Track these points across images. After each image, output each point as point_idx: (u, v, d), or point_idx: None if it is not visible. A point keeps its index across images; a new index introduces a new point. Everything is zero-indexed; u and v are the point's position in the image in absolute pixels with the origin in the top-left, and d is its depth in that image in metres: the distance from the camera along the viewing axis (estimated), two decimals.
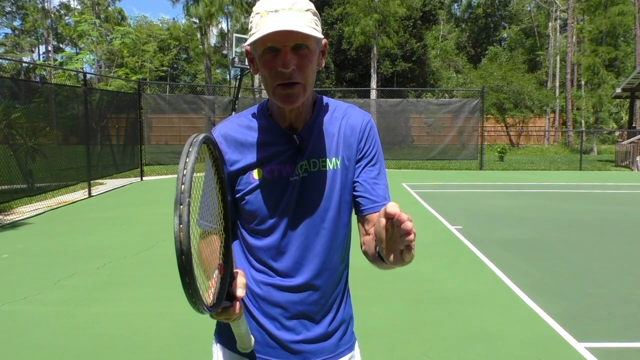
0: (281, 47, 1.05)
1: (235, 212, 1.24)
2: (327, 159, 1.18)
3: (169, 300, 3.96)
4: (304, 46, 1.07)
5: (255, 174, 1.16)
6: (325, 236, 1.18)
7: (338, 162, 1.18)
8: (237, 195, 1.19)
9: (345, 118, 1.22)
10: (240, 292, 0.99)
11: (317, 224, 1.17)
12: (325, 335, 1.21)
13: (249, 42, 1.09)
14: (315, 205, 1.16)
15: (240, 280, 1.01)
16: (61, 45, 43.87)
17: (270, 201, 1.16)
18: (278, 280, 1.18)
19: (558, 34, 36.94)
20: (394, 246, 0.86)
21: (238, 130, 1.20)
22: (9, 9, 46.34)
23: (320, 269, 1.19)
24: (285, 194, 1.16)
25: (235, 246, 1.26)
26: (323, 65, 1.17)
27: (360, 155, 1.21)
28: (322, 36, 1.09)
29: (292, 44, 1.05)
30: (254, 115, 1.22)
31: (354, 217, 1.25)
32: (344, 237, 1.23)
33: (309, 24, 1.05)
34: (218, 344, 1.28)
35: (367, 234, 1.17)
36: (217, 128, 1.22)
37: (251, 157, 1.17)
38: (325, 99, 1.25)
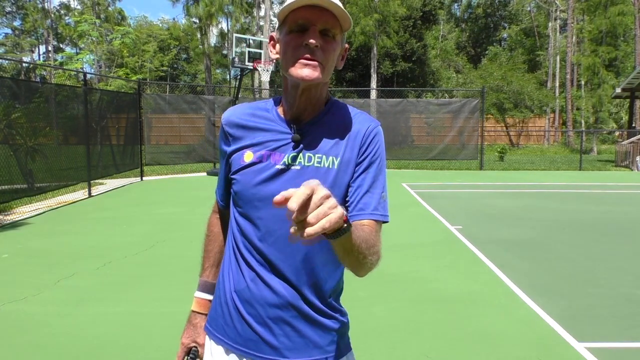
0: (310, 26, 1.10)
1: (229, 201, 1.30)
2: (324, 156, 1.16)
3: (169, 300, 3.96)
4: (330, 33, 1.12)
5: (245, 156, 1.19)
6: None
7: (336, 162, 1.16)
8: (230, 175, 1.23)
9: (353, 122, 1.21)
10: None
11: None
12: (306, 335, 1.18)
13: (282, 9, 1.12)
14: None
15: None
16: (61, 45, 43.86)
17: (255, 185, 1.16)
18: (260, 271, 1.16)
19: (558, 34, 36.94)
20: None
21: (241, 115, 1.24)
22: (9, 9, 46.34)
23: (303, 263, 1.15)
24: (271, 181, 1.15)
25: (227, 236, 1.27)
26: (341, 67, 1.20)
27: (361, 159, 1.18)
28: (351, 22, 1.13)
29: (321, 26, 1.10)
30: (264, 103, 1.26)
31: None
32: None
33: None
34: (206, 337, 1.29)
35: None
36: (226, 112, 1.27)
37: (247, 140, 1.21)
38: (339, 102, 1.25)
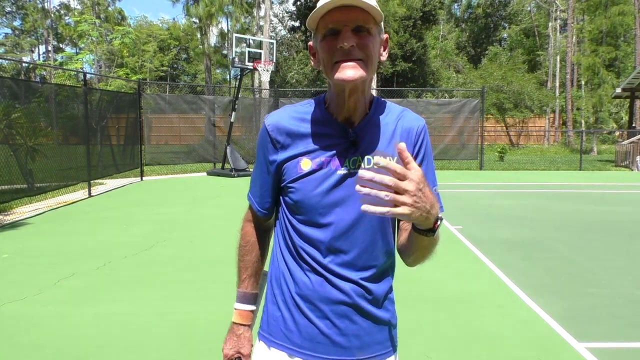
0: (342, 27, 1.07)
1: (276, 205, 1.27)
2: (382, 157, 1.17)
3: (169, 300, 3.96)
4: (364, 29, 1.09)
5: (302, 164, 1.16)
6: (374, 234, 1.17)
7: (394, 162, 1.18)
8: (282, 185, 1.19)
9: (401, 120, 1.22)
10: None
11: (367, 220, 1.15)
12: (371, 333, 1.21)
13: (310, 19, 1.10)
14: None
15: None
16: (61, 45, 43.84)
17: (317, 192, 1.14)
18: (326, 275, 1.16)
19: (558, 34, 36.92)
20: None
21: (290, 120, 1.19)
22: (9, 9, 46.33)
23: (369, 265, 1.18)
24: (333, 187, 1.14)
25: (278, 241, 1.25)
26: (385, 58, 1.18)
27: (415, 157, 1.20)
28: (381, 13, 1.10)
29: (352, 25, 1.08)
30: (309, 106, 1.22)
31: None
32: (392, 235, 1.23)
33: (371, 2, 1.07)
34: (261, 341, 1.26)
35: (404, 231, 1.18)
36: (270, 116, 1.22)
37: (301, 147, 1.16)
38: (381, 100, 1.25)
